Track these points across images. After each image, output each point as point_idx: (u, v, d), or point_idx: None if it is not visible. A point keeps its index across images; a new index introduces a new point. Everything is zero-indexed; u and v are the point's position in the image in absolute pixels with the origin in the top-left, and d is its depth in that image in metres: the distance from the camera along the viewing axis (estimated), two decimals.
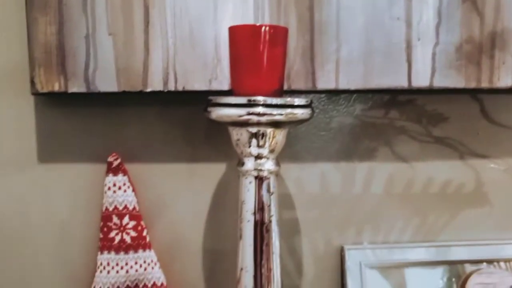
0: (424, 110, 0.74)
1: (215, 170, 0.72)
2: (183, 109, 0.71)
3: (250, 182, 0.60)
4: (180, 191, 0.72)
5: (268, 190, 0.61)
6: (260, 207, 0.61)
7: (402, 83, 0.67)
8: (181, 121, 0.71)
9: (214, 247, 0.73)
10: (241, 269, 0.61)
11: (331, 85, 0.67)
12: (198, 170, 0.72)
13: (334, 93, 0.72)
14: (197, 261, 0.73)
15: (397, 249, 0.75)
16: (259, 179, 0.60)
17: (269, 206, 0.61)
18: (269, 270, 0.61)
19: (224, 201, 0.73)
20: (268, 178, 0.60)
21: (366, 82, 0.67)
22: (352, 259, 0.74)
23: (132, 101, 0.70)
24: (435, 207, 0.76)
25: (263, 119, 0.57)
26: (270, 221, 0.61)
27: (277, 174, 0.61)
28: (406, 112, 0.74)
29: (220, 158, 0.72)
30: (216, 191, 0.73)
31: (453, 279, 0.75)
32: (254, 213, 0.60)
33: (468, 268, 0.74)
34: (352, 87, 0.67)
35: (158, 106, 0.71)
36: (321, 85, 0.67)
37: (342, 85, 0.67)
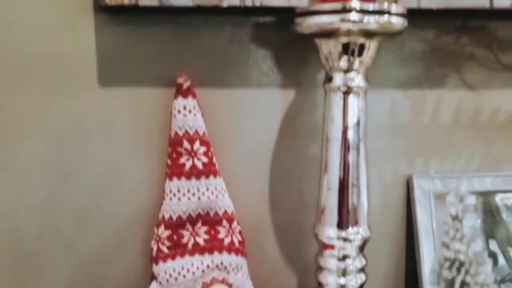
0: (495, 36, 0.72)
1: (284, 97, 0.69)
2: (256, 30, 0.68)
3: (340, 99, 0.58)
4: (249, 118, 0.69)
5: (358, 107, 0.58)
6: (348, 126, 0.58)
7: (484, 2, 0.65)
8: (251, 43, 0.68)
9: (283, 174, 0.71)
10: (329, 189, 0.59)
11: (413, 4, 0.64)
12: (267, 96, 0.69)
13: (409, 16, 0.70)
14: (265, 191, 0.71)
15: (465, 178, 0.74)
16: (349, 95, 0.58)
17: (359, 125, 0.59)
18: (358, 191, 0.59)
19: (293, 129, 0.70)
20: (358, 94, 0.58)
21: (447, 2, 0.64)
22: (421, 188, 0.72)
23: (204, 21, 0.67)
24: (502, 137, 0.74)
25: (356, 27, 0.54)
26: (359, 140, 0.59)
27: (366, 91, 0.59)
28: (476, 38, 0.72)
29: (290, 85, 0.69)
30: (285, 118, 0.70)
31: None
32: (344, 132, 0.58)
33: None
34: (434, 6, 0.64)
35: (229, 27, 0.67)
36: (403, 4, 0.64)
37: (424, 4, 0.64)
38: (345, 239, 0.59)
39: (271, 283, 0.72)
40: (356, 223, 0.59)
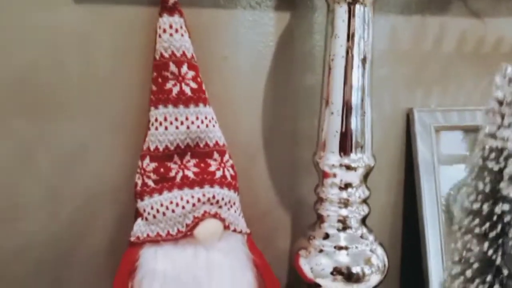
0: None
1: (278, 20, 0.64)
2: None
3: (345, 11, 0.53)
4: (240, 41, 0.64)
5: (365, 21, 0.53)
6: (354, 41, 0.53)
7: None
8: None
9: (276, 104, 0.66)
10: (331, 113, 0.55)
11: None
12: (259, 18, 0.63)
13: None
14: (257, 123, 0.66)
15: (467, 112, 0.70)
16: (355, 6, 0.52)
17: (365, 40, 0.54)
18: (363, 114, 0.55)
19: (287, 55, 0.65)
20: (365, 5, 0.53)
21: None
22: (422, 121, 0.69)
23: None
24: None
25: None
26: (365, 58, 0.54)
27: (373, 3, 0.54)
28: None
29: (284, 6, 0.64)
30: (279, 43, 0.64)
31: None
32: (348, 48, 0.53)
33: None
34: None
35: None
36: None
37: None
38: (348, 167, 0.55)
39: (264, 221, 0.68)
40: (360, 149, 0.55)
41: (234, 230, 0.60)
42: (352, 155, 0.55)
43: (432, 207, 0.67)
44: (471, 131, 0.70)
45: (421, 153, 0.68)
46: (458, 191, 0.69)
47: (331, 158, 0.55)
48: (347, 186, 0.55)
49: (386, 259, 0.58)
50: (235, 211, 0.61)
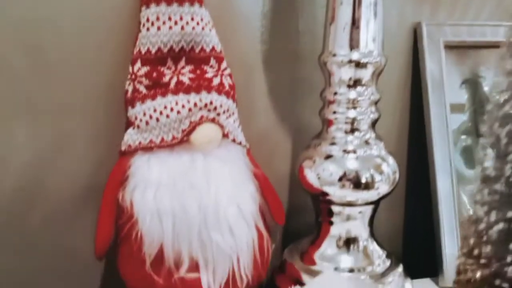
0: None
1: None
2: None
3: None
4: None
5: None
6: None
7: None
8: None
9: (278, 11, 0.61)
10: (341, 3, 0.50)
11: None
12: None
13: None
14: (255, 34, 0.61)
15: (477, 27, 0.67)
16: None
17: None
18: (375, 3, 0.51)
19: None
20: None
21: None
22: (430, 36, 0.65)
23: None
24: None
25: None
26: None
27: None
28: None
29: None
30: None
31: None
32: None
33: None
34: None
35: None
36: None
37: None
38: (358, 64, 0.51)
39: (263, 143, 0.64)
40: (372, 41, 0.51)
41: (234, 141, 0.56)
42: (362, 49, 0.51)
43: (441, 128, 0.64)
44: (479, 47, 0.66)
45: (429, 70, 0.64)
46: None
47: (340, 53, 0.51)
48: (356, 83, 0.51)
49: (397, 170, 0.54)
50: (234, 122, 0.56)
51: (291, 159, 0.65)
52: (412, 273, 0.61)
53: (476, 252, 0.31)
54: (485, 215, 0.32)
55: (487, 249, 0.30)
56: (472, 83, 0.69)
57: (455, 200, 0.63)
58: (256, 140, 0.62)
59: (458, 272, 0.34)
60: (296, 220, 0.66)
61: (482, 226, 0.32)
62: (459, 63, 0.67)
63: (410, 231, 0.71)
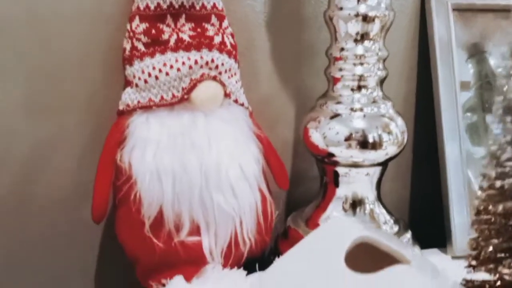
0: None
1: None
2: None
3: None
4: None
5: None
6: None
7: None
8: None
9: None
10: None
11: None
12: None
13: None
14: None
15: None
16: None
17: None
18: None
19: None
20: None
21: None
22: None
23: None
24: None
25: None
26: None
27: None
28: None
29: None
30: None
31: None
32: None
33: None
34: None
35: None
36: None
37: None
38: (365, 18, 0.49)
39: (266, 108, 0.62)
40: None
41: (236, 101, 0.54)
42: (370, 1, 0.49)
43: (449, 92, 0.62)
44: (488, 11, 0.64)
45: (437, 34, 0.62)
46: None
47: (347, 7, 0.49)
48: (363, 38, 0.49)
49: (405, 130, 0.52)
50: (236, 82, 0.54)
51: (294, 125, 0.63)
52: (419, 244, 0.59)
53: (498, 183, 0.29)
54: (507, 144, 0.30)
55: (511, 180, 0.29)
56: (479, 58, 0.67)
57: (464, 166, 0.61)
58: (259, 105, 0.60)
59: (478, 212, 0.32)
60: (300, 188, 0.64)
61: (504, 156, 0.30)
62: (467, 28, 0.66)
63: (417, 202, 0.69)
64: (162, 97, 0.51)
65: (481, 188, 0.33)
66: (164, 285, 0.47)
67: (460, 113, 0.61)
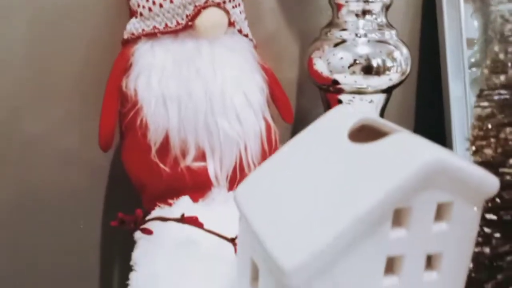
0: None
1: None
2: None
3: None
4: None
5: None
6: None
7: None
8: None
9: None
10: None
11: None
12: None
13: None
14: None
15: None
16: None
17: None
18: None
19: None
20: None
21: None
22: None
23: None
24: None
25: None
26: None
27: None
28: None
29: None
30: None
31: None
32: None
33: None
34: None
35: None
36: None
37: None
38: None
39: (270, 47, 0.61)
40: None
41: (240, 32, 0.54)
42: None
43: (454, 28, 0.61)
44: None
45: None
46: None
47: None
48: None
49: (409, 58, 0.53)
50: (240, 13, 0.54)
51: (299, 64, 0.63)
52: None
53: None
54: None
55: None
56: (484, 13, 0.67)
57: (467, 104, 0.61)
58: (262, 43, 0.60)
59: (480, 93, 0.32)
60: (304, 127, 0.64)
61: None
62: None
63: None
64: (166, 25, 0.51)
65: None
66: (171, 204, 0.48)
67: (465, 48, 0.61)
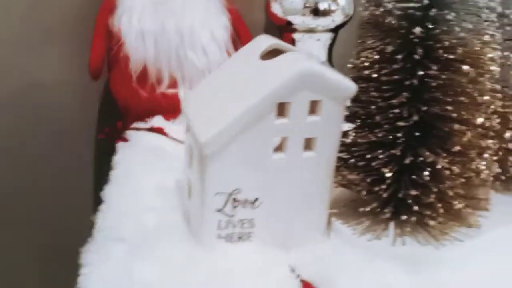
0: None
1: None
2: None
3: None
4: None
5: None
6: None
7: None
8: None
9: None
10: None
11: None
12: None
13: None
14: None
15: None
16: None
17: None
18: None
19: None
20: None
21: None
22: None
23: None
24: None
25: None
26: None
27: None
28: None
29: None
30: None
31: None
32: None
33: None
34: None
35: None
36: None
37: None
38: None
39: None
40: None
41: None
42: None
43: None
44: None
45: None
46: None
47: None
48: None
49: (352, 4, 0.61)
50: None
51: (265, 7, 0.72)
52: None
53: None
54: None
55: None
56: None
57: None
58: None
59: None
60: None
61: None
62: None
63: None
64: None
65: None
66: (147, 121, 0.58)
67: None
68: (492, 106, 0.34)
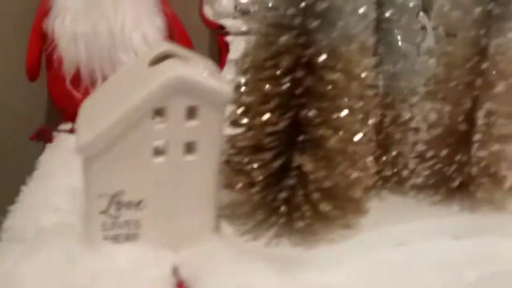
0: None
1: None
2: None
3: None
4: None
5: None
6: None
7: None
8: None
9: None
10: None
11: None
12: None
13: None
14: None
15: None
16: None
17: None
18: None
19: None
20: None
21: None
22: None
23: None
24: None
25: None
26: None
27: None
28: None
29: None
30: None
31: None
32: None
33: None
34: None
35: None
36: None
37: None
38: None
39: None
40: None
41: None
42: None
43: None
44: None
45: None
46: None
47: None
48: None
49: None
50: None
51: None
52: None
53: None
54: None
55: None
56: None
57: None
58: None
59: None
60: None
61: None
62: None
63: None
64: None
65: None
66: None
67: None
68: (361, 113, 0.34)
